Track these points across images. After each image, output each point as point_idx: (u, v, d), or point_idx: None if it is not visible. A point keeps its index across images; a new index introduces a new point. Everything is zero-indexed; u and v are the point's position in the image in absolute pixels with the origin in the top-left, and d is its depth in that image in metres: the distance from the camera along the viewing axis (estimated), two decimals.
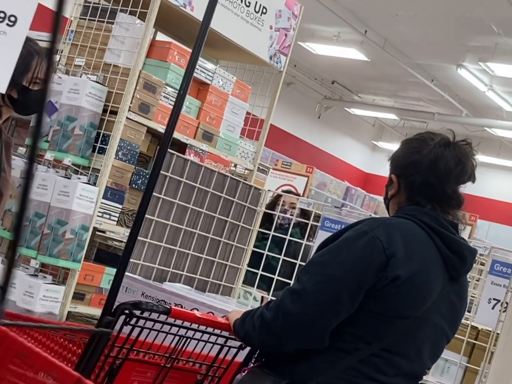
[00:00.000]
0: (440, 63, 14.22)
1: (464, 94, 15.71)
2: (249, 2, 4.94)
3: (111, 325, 2.19)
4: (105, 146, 4.34)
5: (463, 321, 3.97)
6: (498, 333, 3.22)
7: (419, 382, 2.37)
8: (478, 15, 11.24)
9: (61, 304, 4.21)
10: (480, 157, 2.46)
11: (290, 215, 5.23)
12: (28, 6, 1.11)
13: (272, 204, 5.32)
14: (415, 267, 2.21)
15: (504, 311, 3.23)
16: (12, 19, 1.09)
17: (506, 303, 3.23)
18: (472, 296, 4.76)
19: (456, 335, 3.65)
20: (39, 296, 4.07)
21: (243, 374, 2.34)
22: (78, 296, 4.41)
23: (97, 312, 4.33)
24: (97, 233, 4.99)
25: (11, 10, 1.08)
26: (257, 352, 2.39)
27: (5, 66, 1.18)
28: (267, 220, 5.00)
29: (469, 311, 4.42)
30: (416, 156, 2.35)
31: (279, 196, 5.41)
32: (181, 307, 3.08)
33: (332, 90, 18.08)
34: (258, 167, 6.60)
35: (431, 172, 2.32)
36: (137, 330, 2.33)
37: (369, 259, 2.17)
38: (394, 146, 2.53)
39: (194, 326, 2.46)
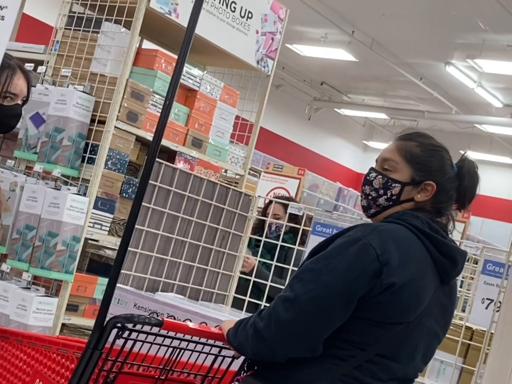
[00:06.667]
0: (428, 61, 14.24)
1: (453, 92, 15.74)
2: (234, 7, 4.93)
3: (102, 341, 2.18)
4: (94, 156, 4.32)
5: (457, 321, 3.98)
6: (492, 333, 3.21)
7: None
8: (464, 13, 11.27)
9: (55, 316, 4.19)
10: (471, 154, 2.50)
11: (276, 226, 5.20)
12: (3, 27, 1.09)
13: (264, 211, 5.31)
14: (409, 273, 2.19)
15: (497, 311, 3.22)
16: None
17: (499, 302, 3.23)
18: (466, 296, 4.76)
19: (451, 336, 3.66)
20: (32, 309, 4.05)
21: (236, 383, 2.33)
22: (72, 308, 4.39)
23: (91, 323, 4.30)
24: (90, 241, 4.97)
25: None
26: (248, 361, 2.37)
27: None
28: (261, 227, 4.99)
29: (463, 311, 4.42)
30: (451, 170, 2.38)
31: (270, 202, 5.39)
32: (174, 317, 3.07)
33: (321, 91, 18.09)
34: (249, 171, 6.60)
35: (469, 192, 2.40)
36: (130, 342, 2.32)
37: (362, 267, 2.15)
38: (385, 146, 2.50)
39: (188, 337, 2.44)
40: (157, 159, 3.24)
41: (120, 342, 2.29)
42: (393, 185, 2.35)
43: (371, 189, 2.38)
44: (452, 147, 2.47)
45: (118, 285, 3.24)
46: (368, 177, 2.40)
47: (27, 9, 5.29)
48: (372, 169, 2.43)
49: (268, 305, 2.26)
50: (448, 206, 2.38)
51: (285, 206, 4.81)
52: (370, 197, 2.38)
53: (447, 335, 3.49)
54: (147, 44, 5.31)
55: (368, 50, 13.68)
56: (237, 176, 5.43)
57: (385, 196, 2.35)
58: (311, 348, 2.17)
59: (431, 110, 16.82)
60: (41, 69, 4.57)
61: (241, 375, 2.37)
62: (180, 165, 4.74)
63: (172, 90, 2.30)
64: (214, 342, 2.47)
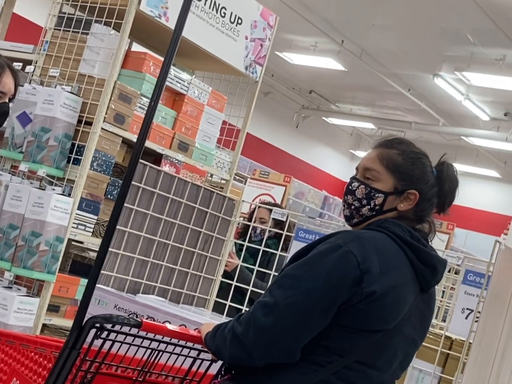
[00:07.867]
0: (416, 73, 14.29)
1: (441, 104, 15.80)
2: (224, 13, 4.94)
3: (80, 341, 2.18)
4: (80, 157, 4.32)
5: (437, 331, 3.99)
6: (470, 343, 3.22)
7: None
8: (454, 25, 11.33)
9: (36, 317, 4.17)
10: (457, 166, 2.49)
11: (261, 230, 5.21)
12: None
13: (250, 217, 5.31)
14: (390, 282, 2.20)
15: (476, 321, 3.23)
16: None
17: (479, 312, 3.24)
18: (447, 306, 4.77)
19: (430, 345, 3.67)
20: (13, 309, 4.03)
21: None
22: (53, 308, 4.37)
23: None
24: (73, 243, 4.96)
25: None
26: (225, 365, 2.37)
27: None
28: (247, 233, 5.00)
29: (444, 321, 4.43)
30: (432, 176, 2.38)
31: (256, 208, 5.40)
32: (154, 319, 3.07)
33: (309, 100, 18.12)
34: (235, 177, 6.60)
35: (448, 196, 2.40)
36: (108, 343, 2.32)
37: (342, 274, 2.15)
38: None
39: (166, 339, 2.44)
40: (141, 161, 3.24)
41: (98, 342, 2.28)
42: (376, 195, 2.34)
43: (354, 198, 2.37)
44: (438, 159, 2.48)
45: (98, 285, 3.24)
46: (350, 187, 2.40)
47: (17, 9, 5.28)
48: (353, 178, 2.42)
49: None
50: (430, 212, 2.39)
51: (271, 211, 4.83)
52: (353, 207, 2.37)
53: (426, 344, 3.51)
54: (136, 47, 5.31)
55: (357, 60, 13.72)
56: (223, 181, 5.44)
57: (368, 206, 2.35)
58: (289, 354, 2.17)
59: (418, 121, 16.88)
60: (29, 68, 4.56)
61: (219, 379, 2.37)
62: (166, 168, 4.74)
63: (158, 91, 2.30)
64: (193, 345, 2.47)
